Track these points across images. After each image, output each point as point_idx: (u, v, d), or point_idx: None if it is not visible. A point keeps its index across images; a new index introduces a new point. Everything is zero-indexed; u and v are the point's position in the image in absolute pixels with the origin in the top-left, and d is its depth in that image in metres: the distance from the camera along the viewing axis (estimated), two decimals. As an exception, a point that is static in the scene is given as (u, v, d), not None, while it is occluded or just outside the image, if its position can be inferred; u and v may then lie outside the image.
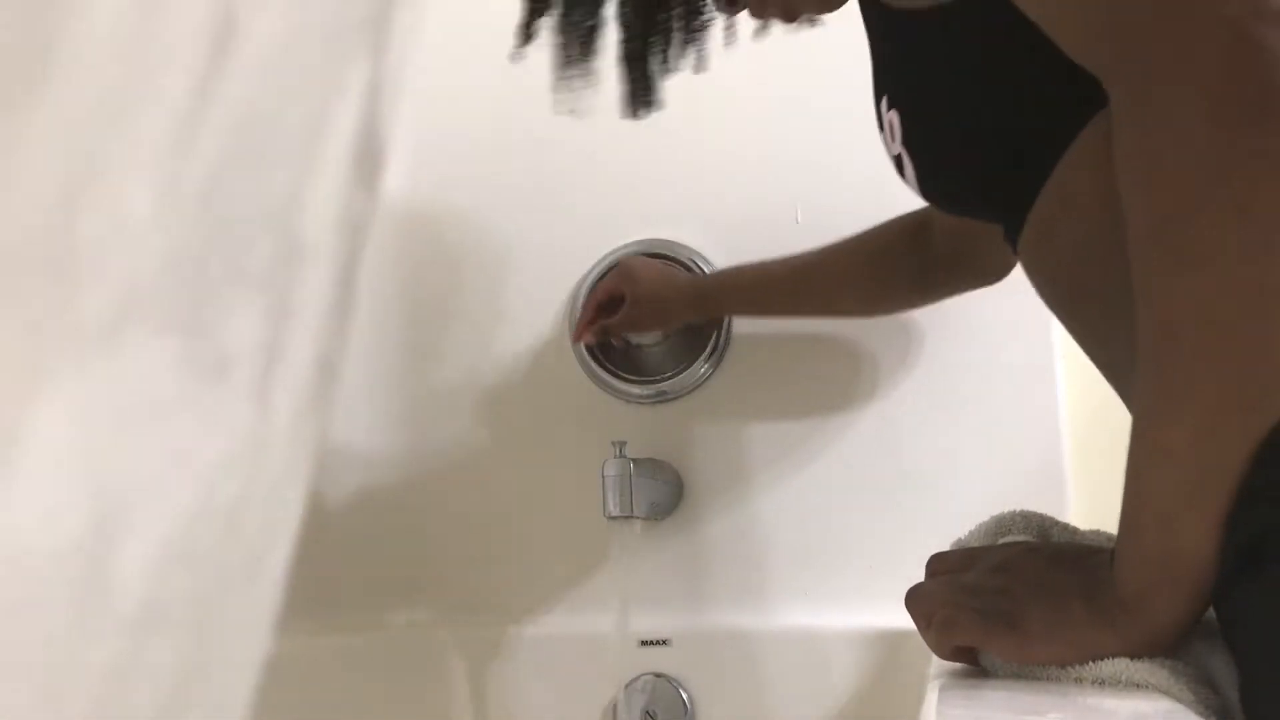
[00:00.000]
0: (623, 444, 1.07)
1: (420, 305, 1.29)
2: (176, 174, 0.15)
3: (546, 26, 0.88)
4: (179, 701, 0.15)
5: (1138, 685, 0.52)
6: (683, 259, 1.23)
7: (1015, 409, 1.11)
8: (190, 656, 0.16)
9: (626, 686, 1.13)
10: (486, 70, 1.28)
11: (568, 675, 1.17)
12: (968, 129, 0.68)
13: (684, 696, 1.13)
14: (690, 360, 1.22)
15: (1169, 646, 0.53)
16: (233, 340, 0.16)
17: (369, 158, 0.19)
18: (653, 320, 1.15)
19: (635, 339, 1.20)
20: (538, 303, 1.25)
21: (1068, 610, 0.54)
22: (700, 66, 0.91)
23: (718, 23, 0.90)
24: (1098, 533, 0.66)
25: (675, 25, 0.87)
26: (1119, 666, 0.53)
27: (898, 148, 0.74)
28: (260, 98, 0.16)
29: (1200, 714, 0.52)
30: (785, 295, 1.10)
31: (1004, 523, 0.68)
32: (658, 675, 1.14)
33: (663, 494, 1.15)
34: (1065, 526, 0.67)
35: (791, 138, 1.22)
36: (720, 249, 1.23)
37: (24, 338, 0.16)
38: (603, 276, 1.23)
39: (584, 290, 1.24)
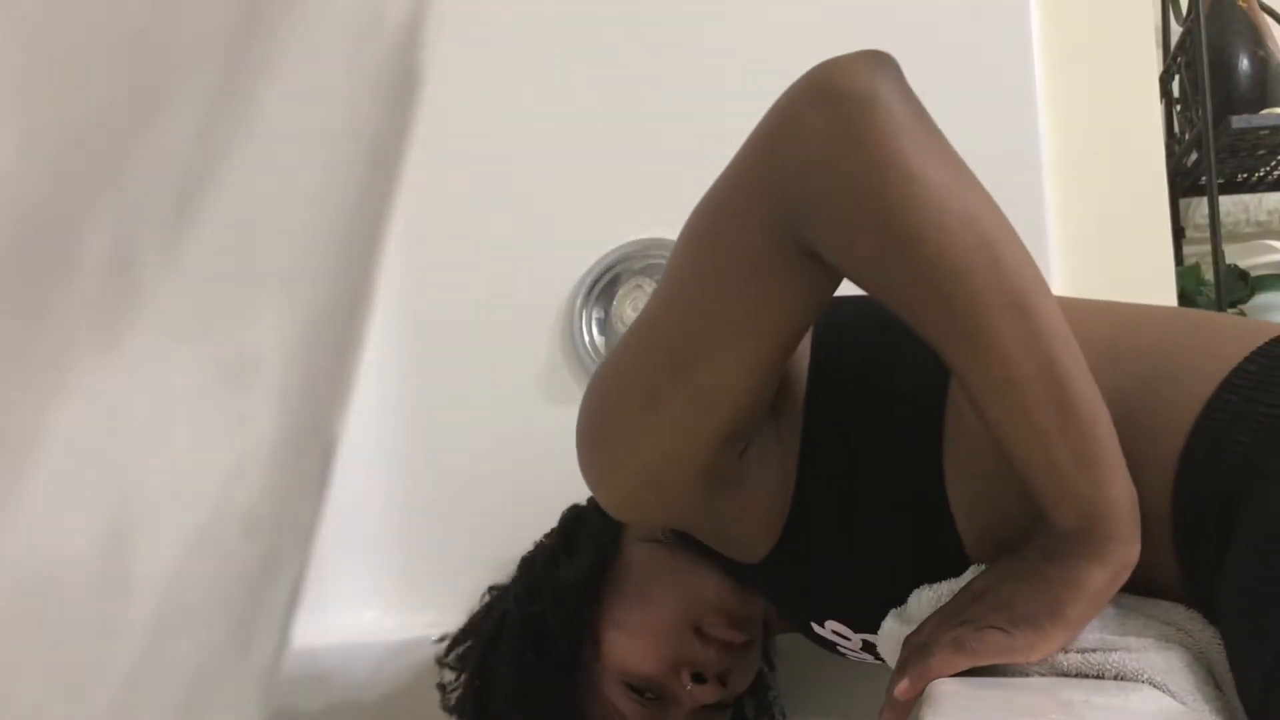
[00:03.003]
0: (622, 444, 1.07)
1: (419, 305, 1.29)
2: (198, 177, 0.15)
3: None
4: (199, 699, 0.15)
5: (1139, 681, 0.53)
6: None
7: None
8: (210, 655, 0.16)
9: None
10: (487, 69, 1.28)
11: (565, 675, 1.17)
12: (892, 549, 0.69)
13: (681, 696, 1.13)
14: (689, 361, 1.22)
15: (1137, 531, 0.56)
16: (253, 342, 0.16)
17: (385, 158, 0.19)
18: None
19: None
20: (538, 303, 1.26)
21: (1045, 578, 0.57)
22: None
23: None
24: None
25: None
26: (1127, 660, 0.54)
27: (858, 639, 0.75)
28: (280, 106, 0.16)
29: (1198, 710, 0.52)
30: None
31: (925, 600, 0.67)
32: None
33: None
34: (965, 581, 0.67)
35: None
36: (719, 250, 1.23)
37: (44, 339, 0.16)
38: (600, 277, 1.23)
39: (580, 293, 1.24)
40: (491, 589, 0.95)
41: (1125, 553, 0.56)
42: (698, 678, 0.81)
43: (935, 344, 0.58)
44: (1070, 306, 0.62)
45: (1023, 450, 0.57)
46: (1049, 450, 0.56)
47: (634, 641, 0.80)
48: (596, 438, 0.68)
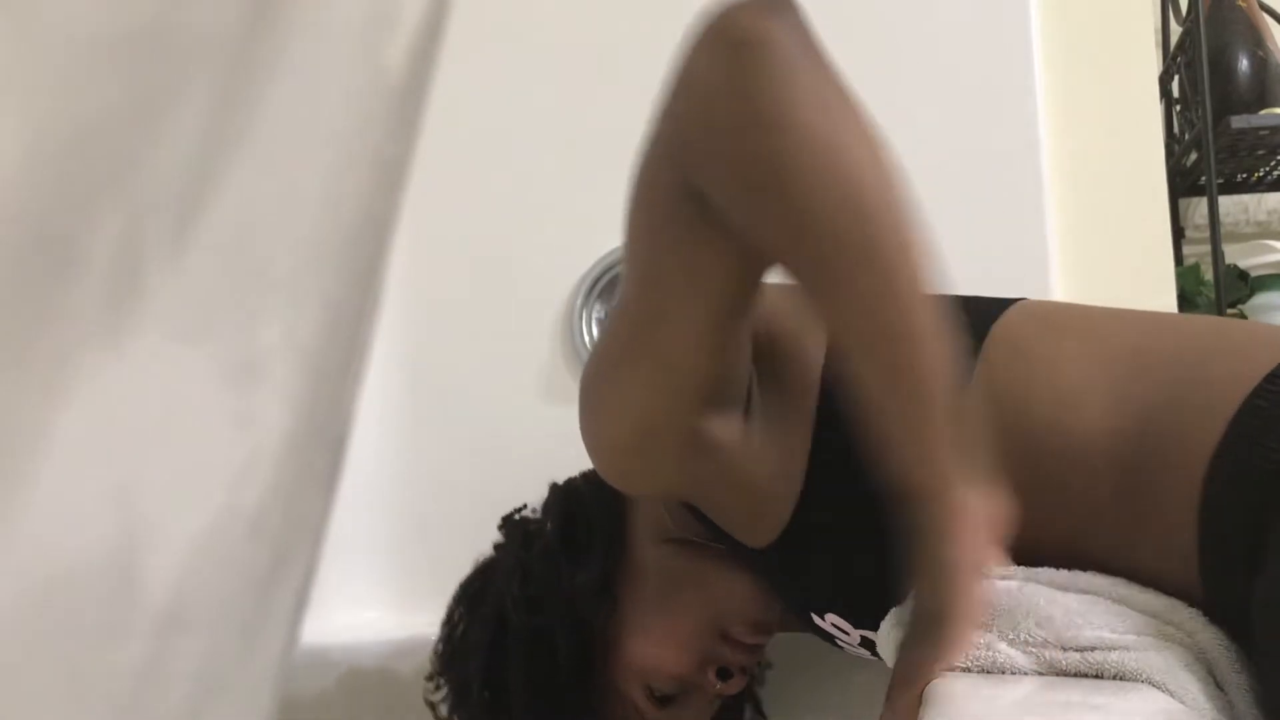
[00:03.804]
0: (622, 444, 1.07)
1: (419, 304, 1.29)
2: (204, 179, 0.15)
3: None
4: (207, 700, 0.15)
5: (1139, 680, 0.53)
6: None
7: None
8: (217, 656, 0.16)
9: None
10: (488, 70, 1.28)
11: (565, 675, 1.16)
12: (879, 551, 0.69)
13: (682, 696, 1.13)
14: (689, 361, 1.21)
15: (968, 475, 0.56)
16: (259, 343, 0.16)
17: (389, 159, 0.19)
18: None
19: None
20: (538, 303, 1.25)
21: (925, 572, 0.57)
22: None
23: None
24: None
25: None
26: (1126, 659, 0.54)
27: (857, 634, 0.75)
28: (286, 108, 0.16)
29: (1198, 710, 0.52)
30: None
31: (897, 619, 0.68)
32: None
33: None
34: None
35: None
36: (719, 250, 1.23)
37: (50, 339, 0.16)
38: (600, 277, 1.23)
39: (580, 293, 1.23)
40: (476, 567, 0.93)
41: (967, 507, 0.56)
42: (723, 673, 0.83)
43: (807, 299, 0.58)
44: (1095, 315, 0.62)
45: (873, 421, 0.57)
46: (889, 421, 0.56)
47: (661, 649, 0.81)
48: (584, 408, 0.70)
